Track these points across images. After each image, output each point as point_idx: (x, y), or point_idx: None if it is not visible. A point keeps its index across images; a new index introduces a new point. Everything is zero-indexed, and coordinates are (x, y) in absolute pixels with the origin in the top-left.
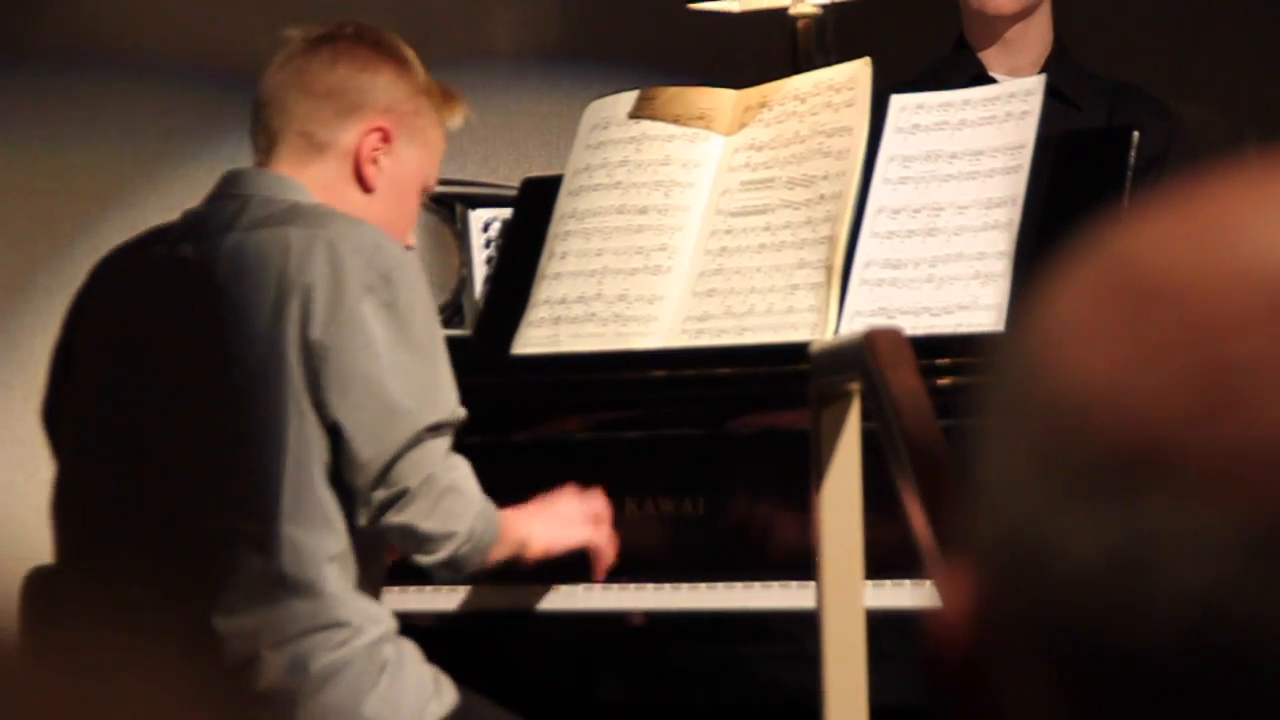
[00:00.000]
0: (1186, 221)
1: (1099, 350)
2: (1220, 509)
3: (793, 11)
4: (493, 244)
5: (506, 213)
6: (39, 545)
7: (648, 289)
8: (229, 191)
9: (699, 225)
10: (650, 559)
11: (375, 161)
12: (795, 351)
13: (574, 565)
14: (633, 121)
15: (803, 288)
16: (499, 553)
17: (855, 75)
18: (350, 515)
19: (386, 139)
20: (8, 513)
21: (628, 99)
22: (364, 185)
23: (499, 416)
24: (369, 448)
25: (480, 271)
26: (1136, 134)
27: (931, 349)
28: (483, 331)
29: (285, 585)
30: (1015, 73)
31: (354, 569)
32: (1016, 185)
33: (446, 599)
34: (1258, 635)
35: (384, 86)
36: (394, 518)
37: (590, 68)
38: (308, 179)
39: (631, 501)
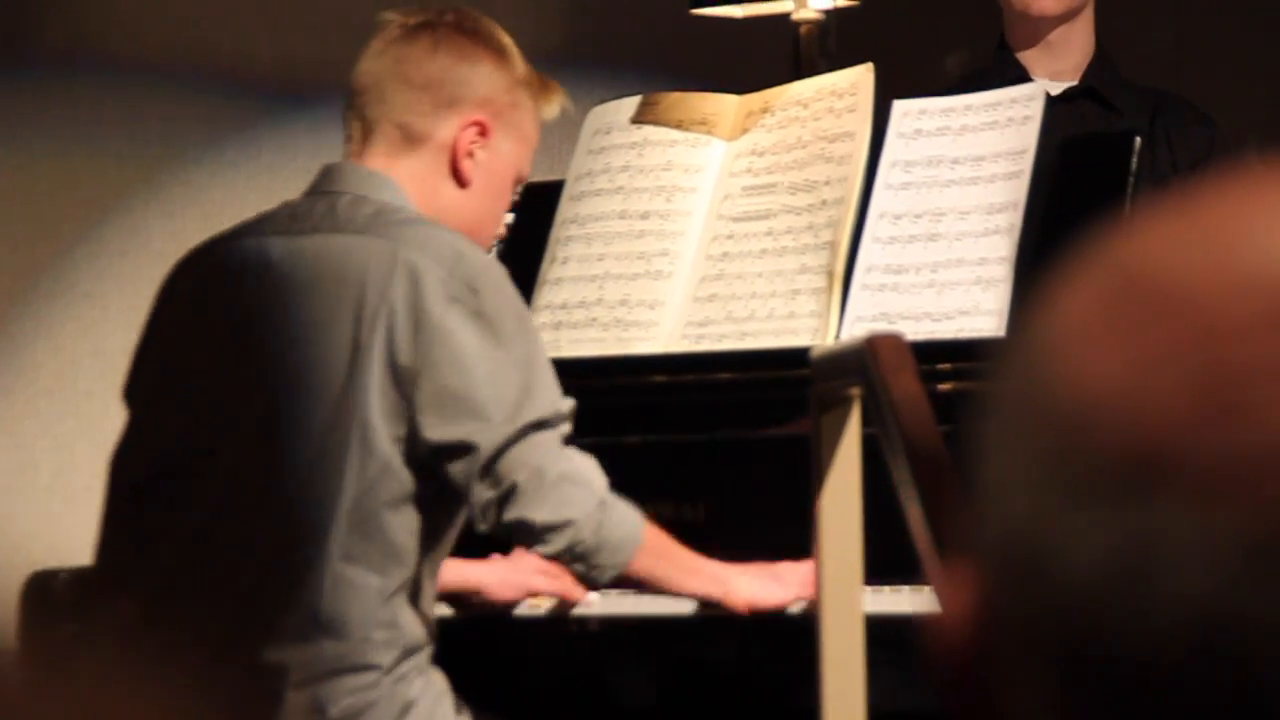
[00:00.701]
0: (1190, 228)
1: (1102, 355)
2: (1222, 514)
3: (795, 17)
4: (494, 249)
5: (508, 218)
6: (39, 550)
7: (649, 294)
8: (323, 187)
9: (700, 230)
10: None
11: (472, 155)
12: (796, 357)
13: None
14: (635, 127)
15: (804, 293)
16: (675, 578)
17: (857, 81)
18: (425, 541)
19: (484, 133)
20: (8, 517)
21: (630, 104)
22: (460, 180)
23: None
24: (471, 457)
25: None
26: (1139, 139)
27: (932, 354)
28: None
29: (321, 623)
30: (1058, 77)
31: (408, 601)
32: (1018, 190)
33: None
34: (1259, 640)
35: (483, 78)
36: (508, 514)
37: (592, 73)
38: (401, 172)
39: None
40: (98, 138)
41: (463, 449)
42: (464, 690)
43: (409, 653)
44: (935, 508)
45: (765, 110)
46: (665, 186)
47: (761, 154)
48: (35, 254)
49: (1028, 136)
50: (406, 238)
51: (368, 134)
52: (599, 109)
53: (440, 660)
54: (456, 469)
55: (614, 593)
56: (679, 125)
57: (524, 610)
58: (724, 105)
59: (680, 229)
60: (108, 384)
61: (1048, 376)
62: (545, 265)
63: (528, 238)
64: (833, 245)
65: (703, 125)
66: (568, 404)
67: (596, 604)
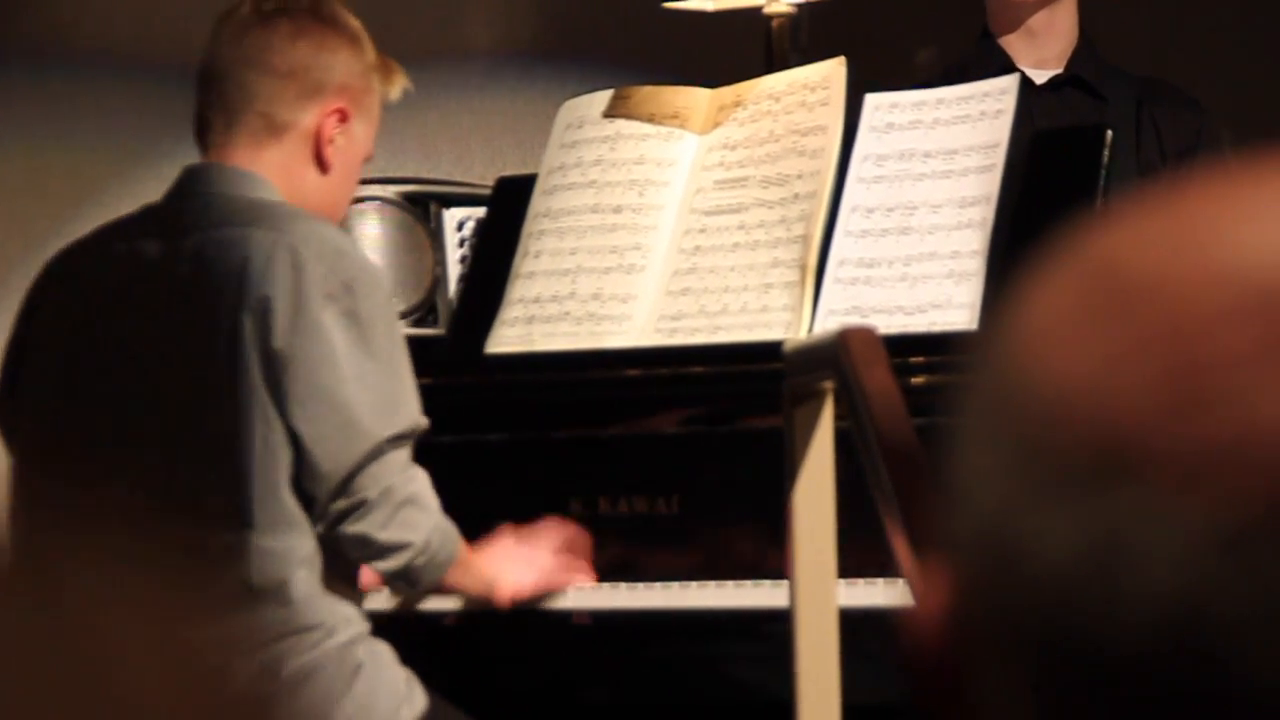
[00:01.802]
0: (1162, 221)
1: (1074, 348)
2: (1193, 507)
3: (767, 11)
4: (467, 243)
5: (481, 212)
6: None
7: (622, 288)
8: (191, 189)
9: (673, 224)
10: (624, 558)
11: (333, 141)
12: (769, 350)
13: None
14: (607, 120)
15: (777, 286)
16: (462, 583)
17: (829, 74)
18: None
19: (344, 118)
20: None
21: (602, 98)
22: (322, 166)
23: (473, 416)
24: (329, 459)
25: (454, 270)
26: (1110, 133)
27: (905, 348)
28: (457, 330)
29: (254, 593)
30: (1041, 65)
31: (323, 570)
32: (990, 184)
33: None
34: (1230, 633)
35: (342, 64)
36: (351, 527)
37: (565, 66)
38: (265, 163)
39: (605, 500)
40: (70, 132)
41: (318, 447)
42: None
43: (347, 618)
44: (908, 501)
45: (737, 104)
46: (637, 180)
47: (734, 148)
48: (6, 249)
49: (1000, 130)
50: (290, 229)
51: (230, 124)
52: (571, 103)
53: (418, 662)
54: (308, 463)
55: (587, 586)
56: (651, 119)
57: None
58: (696, 99)
59: (653, 223)
60: None
61: (1018, 370)
62: (518, 259)
63: (501, 231)
64: (805, 239)
65: (675, 119)
66: (424, 421)
67: (576, 599)
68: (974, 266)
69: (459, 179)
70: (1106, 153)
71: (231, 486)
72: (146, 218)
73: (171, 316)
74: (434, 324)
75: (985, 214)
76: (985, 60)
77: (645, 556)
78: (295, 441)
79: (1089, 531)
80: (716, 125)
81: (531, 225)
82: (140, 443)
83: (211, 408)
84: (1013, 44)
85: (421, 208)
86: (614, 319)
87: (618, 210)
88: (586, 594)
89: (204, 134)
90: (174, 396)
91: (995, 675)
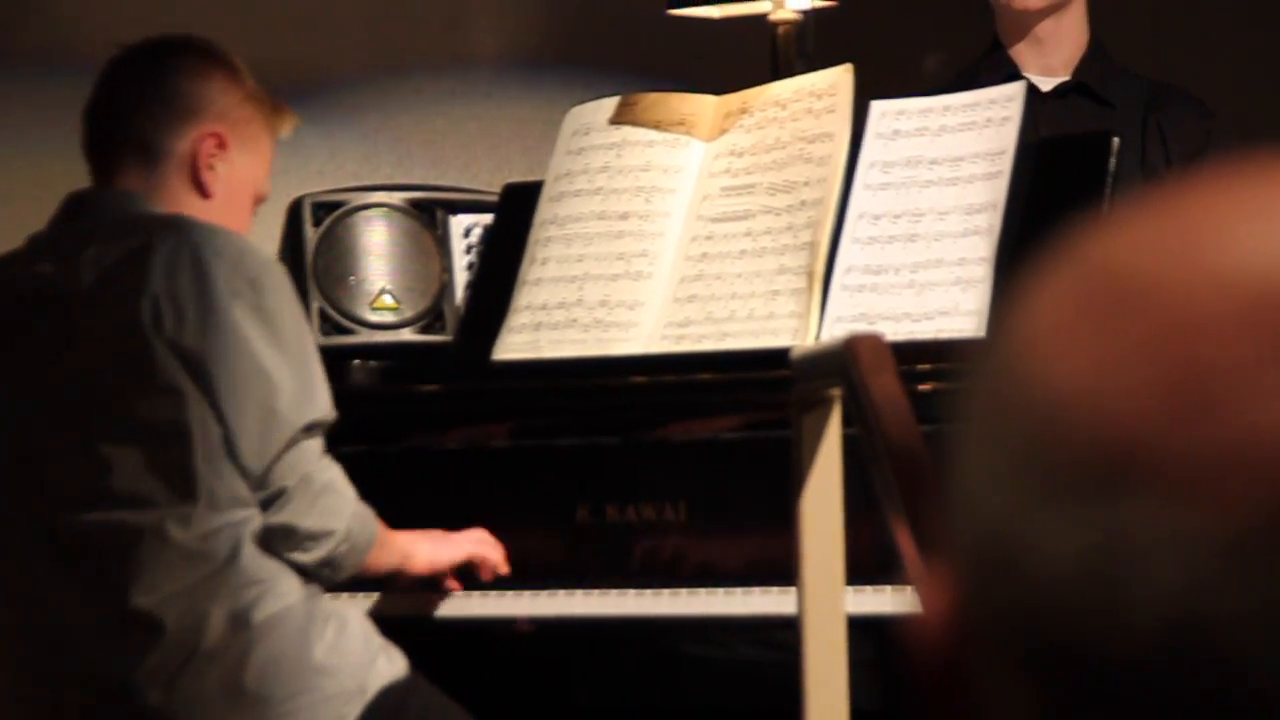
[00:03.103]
0: (1163, 224)
1: (1075, 353)
2: (1195, 511)
3: (773, 18)
4: (474, 250)
5: (487, 218)
6: None
7: (629, 295)
8: (78, 212)
9: (680, 231)
10: (631, 565)
11: (212, 168)
12: (776, 357)
13: (544, 572)
14: (614, 127)
15: (784, 293)
16: (380, 561)
17: (836, 81)
18: None
19: (222, 144)
20: None
21: (609, 105)
22: (202, 191)
23: (479, 423)
24: (250, 451)
25: (461, 277)
26: (1117, 140)
27: (912, 354)
28: (463, 337)
29: (210, 558)
30: (1049, 72)
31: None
32: (997, 191)
33: (426, 605)
34: (1232, 638)
35: (217, 92)
36: (274, 518)
37: (571, 74)
38: (149, 190)
39: (613, 507)
40: (73, 138)
41: (241, 439)
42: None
43: (303, 574)
44: (916, 508)
45: (744, 111)
46: (644, 187)
47: (740, 155)
48: None
49: (1006, 137)
50: (191, 232)
51: (110, 156)
52: (577, 110)
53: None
54: (232, 454)
55: (595, 592)
56: (657, 126)
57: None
58: (702, 106)
59: (659, 230)
60: None
61: (1020, 375)
62: (525, 266)
63: (508, 238)
64: (812, 246)
65: (681, 126)
66: (334, 412)
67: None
68: (981, 273)
69: (466, 186)
70: (1113, 160)
71: (177, 472)
72: (35, 246)
73: (79, 325)
74: (441, 331)
75: (992, 221)
76: (993, 69)
77: (652, 564)
78: (224, 433)
79: (1090, 536)
80: (723, 132)
81: (538, 232)
82: (74, 447)
83: (136, 403)
84: (1020, 52)
85: (428, 214)
86: (621, 326)
87: (624, 217)
88: (594, 600)
89: (91, 169)
90: (98, 401)
91: (998, 681)
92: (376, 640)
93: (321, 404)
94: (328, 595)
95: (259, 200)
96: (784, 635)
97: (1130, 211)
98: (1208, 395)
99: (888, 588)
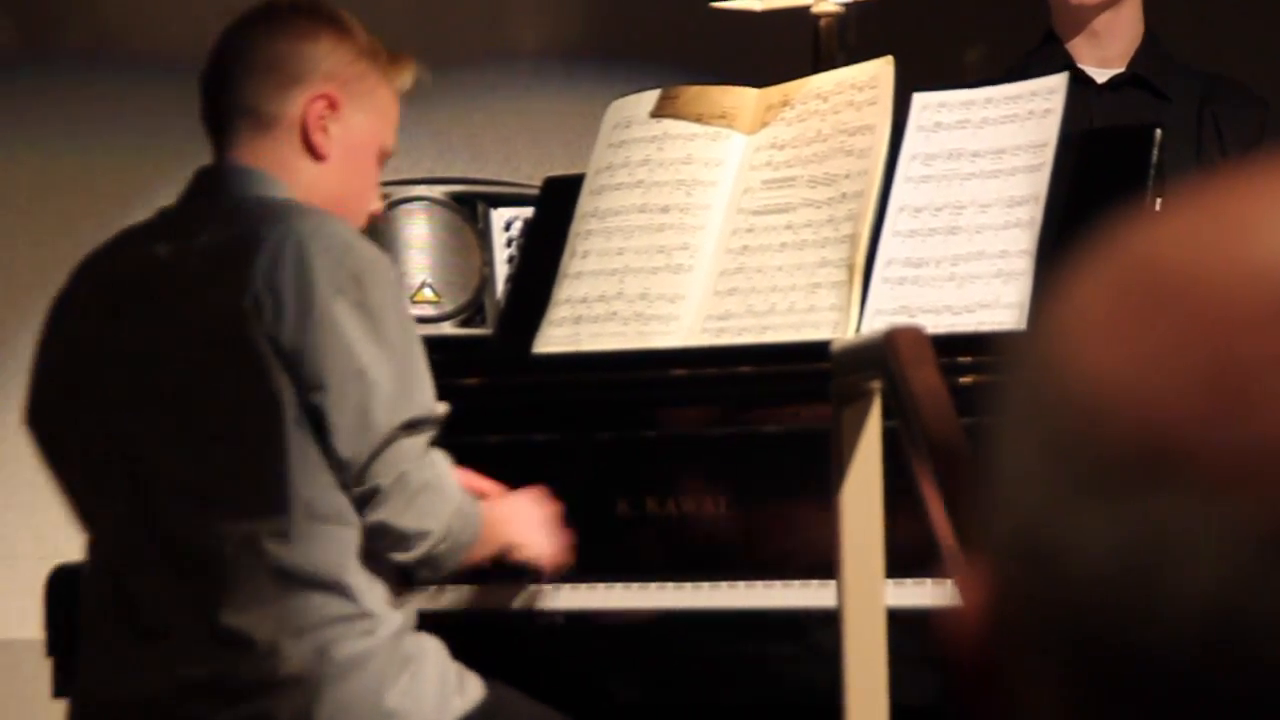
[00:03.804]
0: (1202, 219)
1: (1113, 347)
2: (1232, 507)
3: (814, 10)
4: (514, 243)
5: (528, 212)
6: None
7: (669, 288)
8: (201, 189)
9: (720, 224)
10: (671, 558)
11: (324, 129)
12: (817, 350)
13: (584, 565)
14: (654, 120)
15: (824, 286)
16: (481, 553)
17: (877, 74)
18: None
19: (333, 105)
20: (29, 510)
21: (650, 98)
22: (315, 154)
23: (520, 416)
24: (347, 447)
25: (502, 271)
26: (1159, 132)
27: (953, 347)
28: (504, 331)
29: (304, 579)
30: (1104, 64)
31: (372, 562)
32: (1039, 183)
33: (453, 598)
34: (1269, 633)
35: (324, 53)
36: (370, 516)
37: (612, 67)
38: (263, 157)
39: (653, 500)
40: (118, 133)
41: (338, 436)
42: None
43: (395, 605)
44: (956, 501)
45: (785, 104)
46: (685, 180)
47: (781, 147)
48: (56, 249)
49: (1048, 129)
50: (299, 224)
51: (223, 123)
52: (619, 103)
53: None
54: (330, 453)
55: (635, 586)
56: (699, 119)
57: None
58: (744, 99)
59: (700, 223)
60: None
61: (1058, 369)
62: (565, 259)
63: (548, 232)
64: (853, 238)
65: (722, 119)
66: (441, 407)
67: (564, 597)
68: (1022, 266)
69: (506, 179)
70: (1156, 152)
71: (272, 479)
72: (159, 222)
73: (183, 314)
74: (481, 324)
75: (1033, 213)
76: (1047, 61)
77: (692, 556)
78: (321, 434)
79: (1128, 531)
80: (764, 125)
81: (579, 225)
82: (172, 445)
83: (235, 403)
84: (1077, 45)
85: (469, 208)
86: (661, 319)
87: (665, 210)
88: (634, 593)
89: (211, 137)
90: (198, 395)
91: (1034, 674)
92: (452, 677)
93: (422, 402)
94: (410, 634)
95: (384, 156)
96: (822, 629)
97: (1170, 205)
98: (1246, 390)
99: (928, 581)
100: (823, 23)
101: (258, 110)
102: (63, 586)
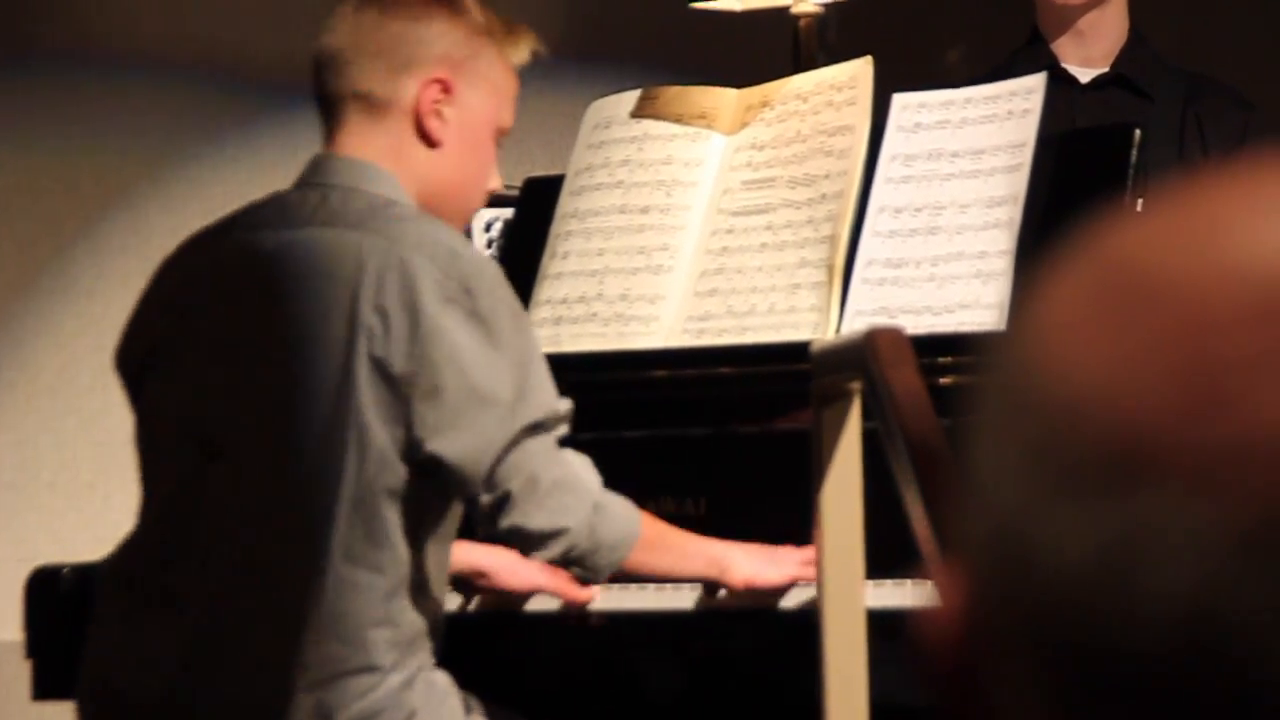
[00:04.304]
0: (1179, 220)
1: (1090, 347)
2: (1209, 507)
3: (794, 10)
4: (495, 244)
5: (508, 212)
6: (41, 546)
7: (649, 288)
8: (313, 179)
9: (700, 225)
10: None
11: (439, 114)
12: (796, 351)
13: None
14: (634, 121)
15: (804, 287)
16: (670, 565)
17: (857, 74)
18: (425, 536)
19: (447, 89)
20: (10, 513)
21: (629, 98)
22: (429, 140)
23: None
24: (471, 461)
25: None
26: (1139, 132)
27: (933, 348)
28: None
29: (325, 624)
30: (1088, 64)
31: (409, 599)
32: (1018, 184)
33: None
34: (1246, 633)
35: (436, 35)
36: (503, 522)
37: (592, 67)
38: (376, 149)
39: (633, 501)
40: (99, 134)
41: (461, 453)
42: (469, 687)
43: (410, 653)
44: (935, 502)
45: (765, 104)
46: (665, 181)
47: (761, 148)
48: (37, 251)
49: (1027, 129)
50: (401, 236)
51: (334, 112)
52: (598, 103)
53: (445, 658)
54: (453, 473)
55: (615, 588)
56: (678, 119)
57: (530, 606)
58: (723, 99)
59: (680, 223)
60: (109, 381)
61: (1035, 369)
62: (545, 260)
63: (528, 233)
64: (832, 239)
65: (702, 119)
66: (564, 405)
67: (599, 599)
68: (1001, 266)
69: None
70: (1135, 152)
71: (319, 509)
72: (270, 207)
73: (282, 314)
74: None
75: (1013, 214)
76: (1031, 60)
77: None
78: (435, 459)
79: (1104, 531)
80: (744, 125)
81: (559, 226)
82: (238, 448)
83: (308, 421)
84: (1061, 44)
85: None
86: (641, 320)
87: (645, 211)
88: (612, 595)
89: (323, 122)
90: (280, 400)
91: (1013, 675)
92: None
93: (543, 403)
94: (422, 678)
95: (501, 134)
96: (804, 629)
97: (1147, 208)
98: (1223, 390)
99: (908, 582)
100: (802, 23)
101: (370, 96)
102: (42, 588)
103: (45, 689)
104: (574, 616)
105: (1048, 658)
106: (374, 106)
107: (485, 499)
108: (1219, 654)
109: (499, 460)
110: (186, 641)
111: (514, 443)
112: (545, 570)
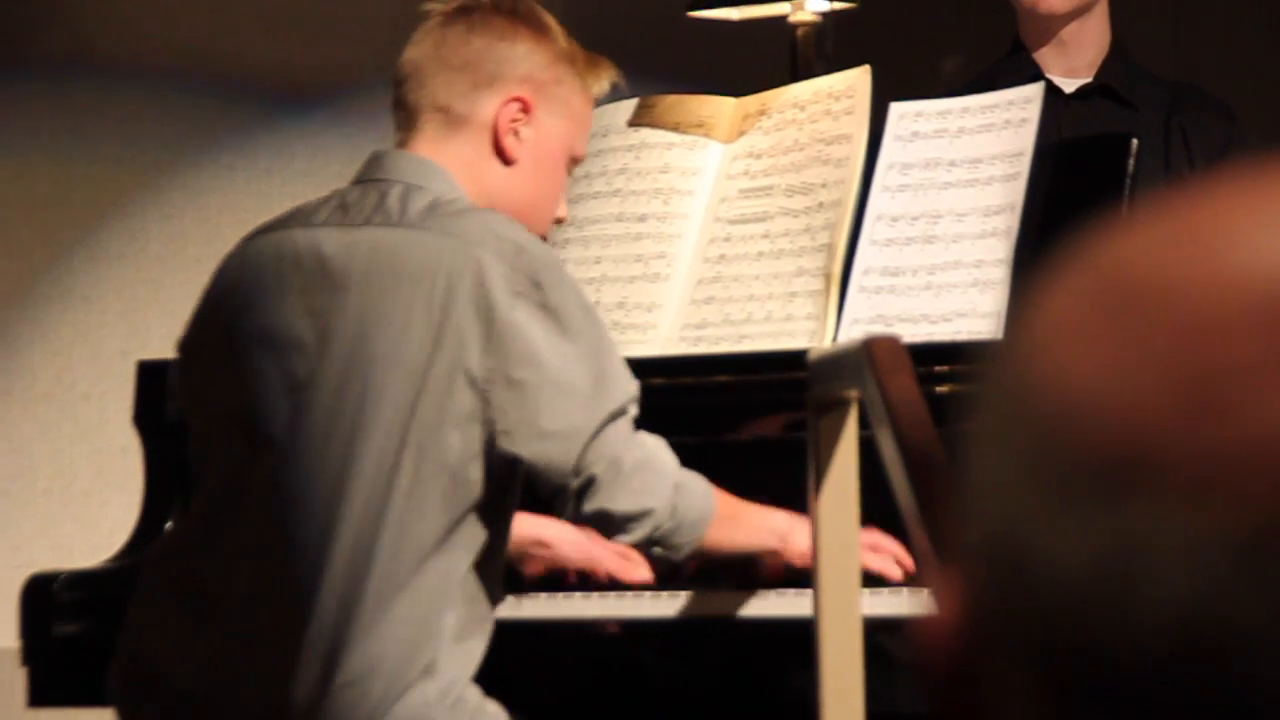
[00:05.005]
0: (1174, 226)
1: (1086, 354)
2: (1205, 514)
3: (792, 20)
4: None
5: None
6: (37, 553)
7: (646, 297)
8: (371, 175)
9: (698, 233)
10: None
11: (516, 133)
12: (794, 359)
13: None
14: (632, 129)
15: (801, 295)
16: (739, 539)
17: (854, 83)
18: (468, 542)
19: (526, 109)
20: (6, 520)
21: (627, 107)
22: (504, 158)
23: None
24: (559, 453)
25: None
26: (1135, 142)
27: (930, 356)
28: None
29: (366, 623)
30: (1071, 74)
31: (459, 603)
32: (1015, 193)
33: None
34: (1242, 640)
35: (521, 56)
36: (588, 506)
37: None
38: (448, 157)
39: None
40: (95, 142)
41: (544, 449)
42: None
43: (454, 658)
44: (932, 510)
45: (762, 113)
46: (662, 189)
47: (758, 156)
48: (33, 258)
49: (1024, 139)
50: (465, 233)
51: (411, 121)
52: (595, 111)
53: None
54: (539, 466)
55: (612, 595)
56: (676, 128)
57: (518, 614)
58: (721, 108)
59: (677, 231)
60: (105, 388)
61: (1031, 376)
62: None
63: None
64: (830, 247)
65: (700, 128)
66: (635, 386)
67: (586, 608)
68: (999, 275)
69: None
70: (1131, 162)
71: (368, 510)
72: (330, 204)
73: (344, 314)
74: None
75: (1010, 222)
76: (1015, 70)
77: (706, 563)
78: (518, 455)
79: (1101, 539)
80: (741, 134)
81: (556, 234)
82: (281, 445)
83: (367, 418)
84: (1044, 54)
85: None
86: (639, 328)
87: (642, 219)
88: (609, 602)
89: (398, 133)
90: (331, 400)
91: (1009, 683)
92: None
93: (621, 389)
94: (448, 704)
95: (574, 162)
96: (800, 638)
97: (1144, 215)
98: (1219, 397)
99: (904, 590)
100: (800, 32)
101: (449, 109)
102: (38, 596)
103: (41, 696)
104: (566, 625)
105: (1044, 665)
106: (452, 120)
107: (571, 485)
108: (1216, 662)
109: (586, 447)
110: (223, 634)
111: (598, 431)
112: (601, 544)
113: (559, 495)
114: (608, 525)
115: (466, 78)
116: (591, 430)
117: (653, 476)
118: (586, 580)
